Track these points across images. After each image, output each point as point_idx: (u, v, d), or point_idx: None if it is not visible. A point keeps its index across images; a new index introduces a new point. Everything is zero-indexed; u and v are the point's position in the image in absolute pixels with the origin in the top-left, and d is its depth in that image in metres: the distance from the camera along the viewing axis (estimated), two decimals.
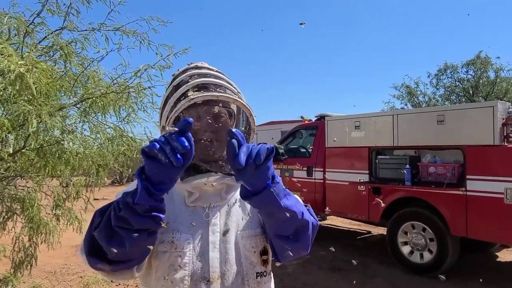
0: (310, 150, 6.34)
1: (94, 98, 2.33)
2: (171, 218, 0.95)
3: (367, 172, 5.25)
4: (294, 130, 6.89)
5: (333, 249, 4.55)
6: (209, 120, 0.95)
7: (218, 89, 0.92)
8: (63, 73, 2.63)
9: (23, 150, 2.51)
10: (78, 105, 2.50)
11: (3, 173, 2.96)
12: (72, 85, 2.46)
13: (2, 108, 2.50)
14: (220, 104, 0.95)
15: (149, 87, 2.49)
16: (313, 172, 6.04)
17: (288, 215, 0.88)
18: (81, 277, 4.47)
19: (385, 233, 5.21)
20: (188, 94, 0.89)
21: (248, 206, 1.04)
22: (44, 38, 2.85)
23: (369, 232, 6.99)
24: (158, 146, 0.72)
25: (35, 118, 1.85)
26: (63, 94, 2.57)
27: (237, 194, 1.02)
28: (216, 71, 1.01)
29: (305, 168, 6.17)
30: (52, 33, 2.73)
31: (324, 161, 5.89)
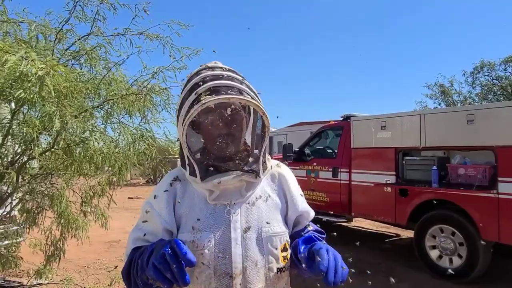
0: (336, 151, 6.27)
1: (114, 100, 2.44)
2: (192, 218, 0.99)
3: (394, 173, 5.12)
4: (320, 131, 6.83)
5: (358, 243, 4.49)
6: (223, 122, 0.98)
7: (229, 91, 0.94)
8: (89, 76, 2.78)
9: (52, 149, 2.67)
10: (101, 107, 2.63)
11: (36, 171, 3.15)
12: (96, 87, 2.59)
13: (34, 110, 2.68)
14: (233, 106, 0.97)
15: (165, 88, 2.57)
16: (339, 173, 5.96)
17: None
18: (109, 271, 4.67)
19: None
20: (201, 99, 0.92)
21: (271, 204, 1.07)
22: (73, 44, 3.03)
23: (397, 235, 6.80)
24: (158, 276, 0.82)
25: (58, 119, 1.98)
26: (87, 97, 2.71)
27: (257, 191, 1.05)
28: (229, 70, 1.03)
29: (331, 169, 6.11)
30: (79, 39, 2.89)
31: (349, 162, 5.80)
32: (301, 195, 1.15)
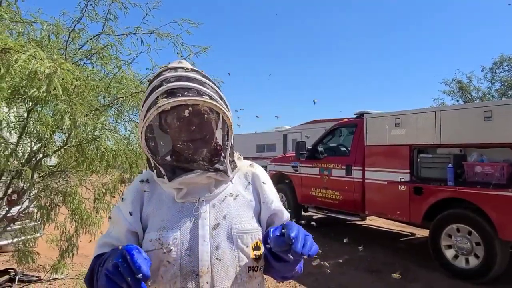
0: (349, 148, 6.20)
1: (124, 98, 2.48)
2: (159, 217, 0.98)
3: (408, 171, 5.04)
4: (333, 128, 6.78)
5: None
6: (183, 124, 0.97)
7: (186, 93, 0.93)
8: (101, 75, 2.83)
9: (65, 147, 2.72)
10: (111, 105, 2.67)
11: (51, 169, 3.23)
12: (107, 86, 2.63)
13: (47, 108, 2.74)
14: (190, 108, 0.95)
15: None
16: (352, 171, 5.90)
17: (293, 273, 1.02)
18: None
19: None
20: (157, 102, 0.92)
21: (243, 201, 1.05)
22: (85, 43, 3.08)
23: (413, 234, 6.69)
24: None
25: (68, 117, 2.02)
26: (99, 95, 2.75)
27: (228, 189, 1.04)
28: (192, 70, 1.01)
29: (344, 167, 6.05)
30: (91, 38, 2.94)
31: (363, 160, 5.74)
32: (275, 195, 1.13)
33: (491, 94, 17.12)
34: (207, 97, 0.95)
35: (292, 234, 0.87)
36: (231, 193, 1.04)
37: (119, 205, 1.03)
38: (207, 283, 0.93)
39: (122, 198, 1.04)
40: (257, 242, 1.02)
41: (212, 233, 0.97)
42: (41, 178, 3.10)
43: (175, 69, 1.01)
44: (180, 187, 0.98)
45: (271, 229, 0.94)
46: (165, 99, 0.92)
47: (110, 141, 2.67)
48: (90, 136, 2.65)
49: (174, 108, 0.94)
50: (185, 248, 0.94)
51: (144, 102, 0.97)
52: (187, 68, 1.02)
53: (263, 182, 1.11)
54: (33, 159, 3.06)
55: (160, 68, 1.05)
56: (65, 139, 2.75)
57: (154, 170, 1.00)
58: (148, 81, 1.07)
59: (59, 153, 2.79)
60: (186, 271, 0.93)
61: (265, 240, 0.97)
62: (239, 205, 1.04)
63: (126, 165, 2.72)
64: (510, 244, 4.14)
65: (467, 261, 4.36)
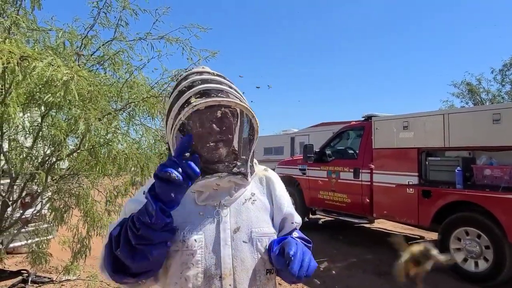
0: (357, 151, 6.21)
1: (136, 102, 2.54)
2: (182, 219, 0.97)
3: (417, 174, 5.03)
4: (341, 131, 6.78)
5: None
6: (213, 125, 0.98)
7: (219, 94, 0.94)
8: (113, 80, 2.89)
9: (78, 151, 2.79)
10: (123, 109, 2.73)
11: (64, 172, 3.31)
12: (119, 91, 2.70)
13: (61, 113, 2.81)
14: (223, 109, 0.98)
15: None
16: (360, 173, 5.91)
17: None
18: None
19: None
20: (191, 101, 0.92)
21: (260, 205, 1.07)
22: (97, 49, 3.16)
23: (422, 237, 6.65)
24: (171, 170, 0.82)
25: (83, 122, 2.08)
26: (111, 100, 2.82)
27: (247, 193, 1.06)
28: (217, 75, 1.04)
29: (352, 170, 6.05)
30: (103, 44, 3.01)
31: (371, 163, 5.74)
32: (288, 199, 1.16)
33: (501, 96, 16.94)
34: (238, 100, 0.97)
35: (291, 253, 0.92)
36: (250, 197, 1.06)
37: (138, 198, 1.00)
38: (230, 285, 0.95)
39: (144, 191, 0.98)
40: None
41: (233, 237, 0.99)
42: (55, 181, 3.18)
43: (201, 73, 1.02)
44: (201, 190, 1.00)
45: (274, 243, 1.00)
46: (199, 99, 0.93)
47: (121, 144, 2.73)
48: (102, 140, 2.71)
49: (207, 108, 0.95)
50: (208, 251, 0.96)
51: (174, 102, 0.98)
52: (213, 73, 1.04)
53: (276, 187, 1.13)
54: (47, 162, 3.14)
55: (186, 71, 1.08)
56: (78, 143, 2.82)
57: None
58: (174, 82, 1.08)
59: (72, 156, 2.86)
60: (210, 273, 0.95)
61: (269, 249, 1.02)
62: (257, 209, 1.06)
63: (137, 168, 2.78)
64: None
65: (476, 264, 4.34)
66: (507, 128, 4.09)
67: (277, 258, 0.95)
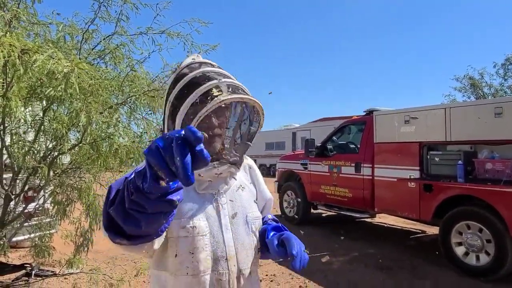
0: (358, 146, 6.21)
1: (137, 96, 2.54)
2: (186, 206, 1.02)
3: (418, 168, 5.03)
4: (343, 126, 6.78)
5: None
6: (228, 119, 1.04)
7: (239, 91, 0.98)
8: (114, 74, 2.90)
9: (80, 144, 2.80)
10: (124, 103, 2.74)
11: (66, 166, 3.32)
12: (120, 85, 2.70)
13: (63, 107, 2.82)
14: (243, 105, 1.04)
15: None
16: (362, 168, 5.91)
17: None
18: (135, 262, 4.84)
19: None
20: (213, 94, 0.93)
21: (249, 192, 1.17)
22: (98, 43, 3.16)
23: (423, 232, 6.67)
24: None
25: (84, 115, 2.09)
26: (112, 94, 2.83)
27: (238, 181, 1.14)
28: (218, 67, 1.08)
29: (353, 164, 6.05)
30: (104, 38, 3.01)
31: (372, 157, 5.73)
32: (264, 183, 1.28)
33: (503, 91, 16.85)
34: (255, 98, 1.02)
35: (294, 251, 1.05)
36: (240, 185, 1.14)
37: None
38: (234, 265, 1.05)
39: None
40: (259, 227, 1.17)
41: (232, 221, 1.07)
42: (57, 175, 3.19)
43: (205, 63, 1.06)
44: (202, 179, 1.04)
45: (268, 230, 1.14)
46: (227, 94, 0.94)
47: (123, 138, 2.74)
48: (103, 134, 2.72)
49: (227, 104, 0.97)
50: (213, 236, 1.03)
51: (191, 90, 0.96)
52: (215, 65, 1.08)
53: (257, 174, 1.24)
54: (49, 156, 3.15)
55: (188, 58, 1.08)
56: (80, 137, 2.83)
57: None
58: (178, 69, 1.06)
59: (74, 150, 2.87)
60: (216, 256, 1.02)
61: (262, 236, 1.15)
62: (247, 195, 1.16)
63: (138, 162, 2.78)
64: None
65: (477, 258, 4.35)
66: (509, 122, 4.07)
67: (278, 250, 1.07)
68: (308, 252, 1.10)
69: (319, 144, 6.89)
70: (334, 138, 6.83)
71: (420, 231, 6.73)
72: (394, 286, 4.16)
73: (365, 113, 6.39)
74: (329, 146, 6.71)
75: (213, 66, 1.06)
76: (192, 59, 1.09)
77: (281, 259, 1.10)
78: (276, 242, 1.08)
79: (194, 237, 1.00)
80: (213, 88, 0.94)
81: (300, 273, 4.54)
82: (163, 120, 1.07)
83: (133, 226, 0.75)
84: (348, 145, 6.55)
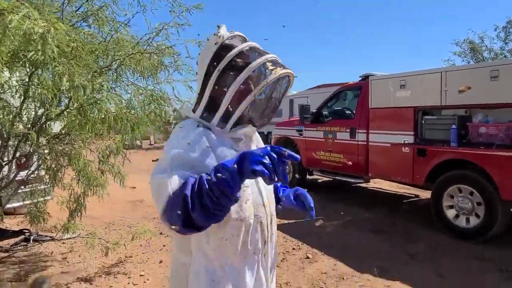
0: (353, 112, 6.16)
1: (122, 59, 2.47)
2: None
3: (412, 133, 5.02)
4: (338, 91, 6.70)
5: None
6: (274, 91, 1.15)
7: (286, 66, 1.10)
8: (100, 38, 2.81)
9: (67, 110, 2.77)
10: (109, 67, 2.67)
11: (54, 132, 3.30)
12: (105, 48, 2.62)
13: (46, 72, 2.75)
14: (287, 79, 1.15)
15: (170, 46, 2.57)
16: (356, 133, 5.90)
17: None
18: (129, 227, 4.94)
19: None
20: (270, 68, 1.07)
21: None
22: (81, 5, 3.04)
23: (417, 196, 6.76)
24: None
25: (66, 78, 2.04)
26: (97, 58, 2.75)
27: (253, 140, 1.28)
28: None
29: (348, 130, 6.04)
30: (87, 0, 2.89)
31: (367, 123, 5.71)
32: None
33: (503, 55, 16.48)
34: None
35: (312, 205, 1.29)
36: (256, 145, 1.28)
37: (189, 150, 1.04)
38: (269, 211, 1.22)
39: (188, 142, 1.05)
40: None
41: None
42: (47, 141, 3.18)
43: (241, 37, 1.16)
44: (243, 137, 1.17)
45: (280, 188, 1.39)
46: (280, 68, 1.08)
47: (110, 104, 2.69)
48: (91, 99, 2.67)
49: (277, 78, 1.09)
50: (252, 187, 1.16)
51: (246, 61, 1.08)
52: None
53: (258, 137, 1.34)
54: (38, 123, 3.12)
55: (223, 29, 1.14)
56: (67, 102, 2.79)
57: (217, 115, 1.10)
58: (218, 39, 1.12)
59: (63, 115, 2.84)
60: (257, 203, 1.17)
61: (275, 192, 1.35)
62: None
63: (127, 127, 2.75)
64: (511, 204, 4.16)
65: (467, 220, 4.42)
66: (505, 85, 4.02)
67: (296, 203, 1.34)
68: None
69: (314, 110, 6.85)
70: (330, 104, 6.78)
71: (414, 196, 6.82)
72: (388, 249, 4.25)
73: (361, 78, 6.29)
74: (325, 112, 6.67)
75: (246, 40, 1.16)
76: (231, 31, 1.15)
77: (299, 210, 1.34)
78: (292, 197, 1.34)
79: (242, 187, 1.07)
80: (267, 62, 1.07)
81: (294, 236, 4.64)
82: (202, 86, 1.14)
83: (214, 221, 0.96)
84: (344, 111, 6.50)
